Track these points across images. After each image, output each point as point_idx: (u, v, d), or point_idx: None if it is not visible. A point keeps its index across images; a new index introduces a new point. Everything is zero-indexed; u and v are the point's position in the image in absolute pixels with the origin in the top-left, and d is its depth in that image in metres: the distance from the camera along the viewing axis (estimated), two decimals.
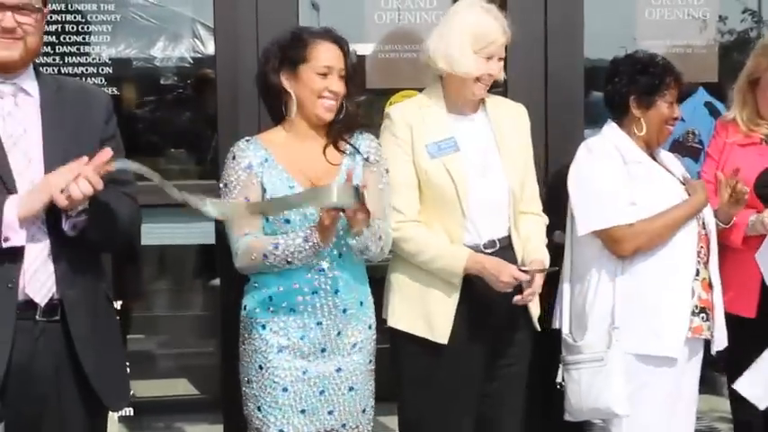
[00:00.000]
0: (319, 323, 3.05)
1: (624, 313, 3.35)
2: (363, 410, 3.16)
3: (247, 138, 3.14)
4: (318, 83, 3.06)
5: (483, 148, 3.32)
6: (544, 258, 3.31)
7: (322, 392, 3.08)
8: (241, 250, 3.03)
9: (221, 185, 3.10)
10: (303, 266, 3.03)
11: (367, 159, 3.13)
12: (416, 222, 3.25)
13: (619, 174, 3.39)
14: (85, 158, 2.60)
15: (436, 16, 3.86)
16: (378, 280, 3.40)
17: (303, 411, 3.07)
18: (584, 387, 3.34)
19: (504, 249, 3.23)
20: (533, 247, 3.29)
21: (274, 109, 3.17)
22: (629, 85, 3.41)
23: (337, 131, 3.13)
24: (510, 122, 3.38)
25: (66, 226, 2.61)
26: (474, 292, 3.23)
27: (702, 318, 3.40)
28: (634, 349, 3.33)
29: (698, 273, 3.40)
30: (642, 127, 3.38)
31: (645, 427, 3.37)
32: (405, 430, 3.40)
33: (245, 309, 3.16)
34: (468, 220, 3.22)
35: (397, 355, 3.35)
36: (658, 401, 3.38)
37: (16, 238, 2.57)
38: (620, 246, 3.33)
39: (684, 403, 3.46)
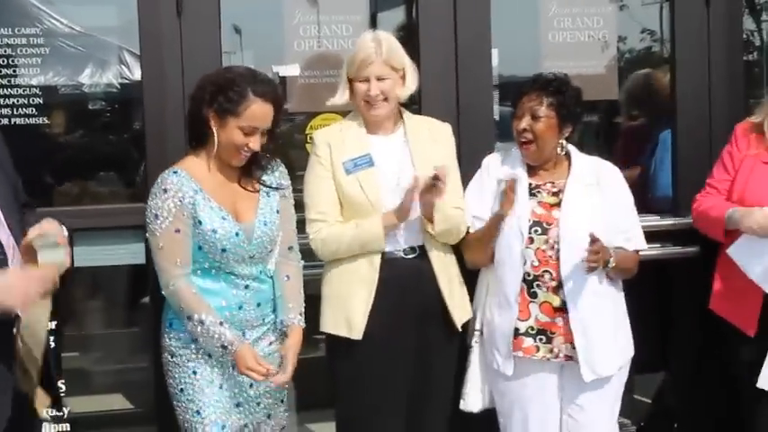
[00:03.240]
0: (243, 333, 3.17)
1: (484, 323, 3.51)
2: (282, 401, 3.32)
3: (174, 169, 3.15)
4: (240, 139, 3.10)
5: (398, 163, 3.44)
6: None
7: (251, 385, 3.21)
8: (175, 293, 3.10)
9: (151, 217, 3.11)
10: (232, 285, 3.15)
11: (281, 185, 3.24)
12: (331, 224, 3.38)
13: (481, 187, 3.51)
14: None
15: (353, 43, 3.90)
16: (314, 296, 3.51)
17: (238, 405, 3.21)
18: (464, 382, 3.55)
19: (423, 256, 3.37)
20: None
21: (194, 133, 3.21)
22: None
23: (251, 169, 3.20)
24: (429, 140, 3.49)
25: None
26: (388, 292, 3.35)
27: (541, 340, 3.37)
28: (486, 358, 3.51)
29: (536, 296, 3.38)
30: None
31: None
32: (341, 430, 3.53)
33: (170, 325, 3.23)
34: None
35: (329, 358, 3.49)
36: (506, 409, 3.51)
37: None
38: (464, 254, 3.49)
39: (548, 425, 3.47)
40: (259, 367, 3.09)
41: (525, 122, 3.37)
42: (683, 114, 4.37)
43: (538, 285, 3.36)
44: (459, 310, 3.45)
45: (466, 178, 3.68)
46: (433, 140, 3.50)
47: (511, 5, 4.38)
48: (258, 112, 3.10)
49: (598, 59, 4.38)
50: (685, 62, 4.36)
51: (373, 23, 4.39)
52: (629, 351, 3.51)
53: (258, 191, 3.23)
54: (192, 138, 3.22)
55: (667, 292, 4.30)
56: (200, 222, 3.09)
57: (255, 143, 3.12)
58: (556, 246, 3.34)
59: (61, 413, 3.81)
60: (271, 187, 3.23)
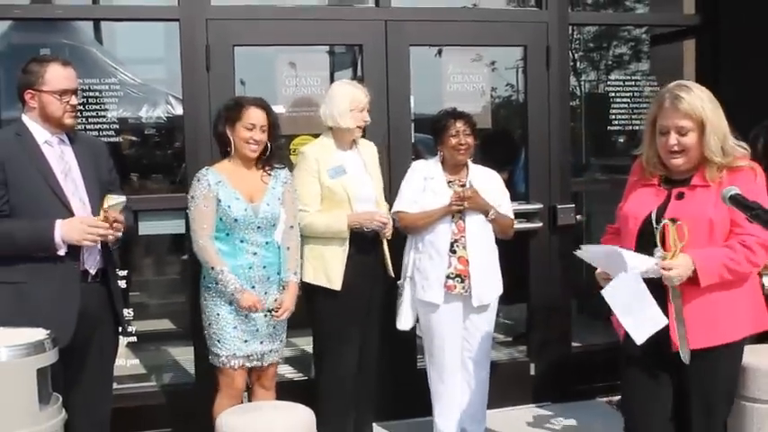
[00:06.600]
0: (253, 287, 3.89)
1: (414, 271, 4.43)
2: (281, 341, 4.09)
3: (206, 167, 3.94)
4: (246, 134, 3.86)
5: (359, 171, 4.28)
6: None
7: (257, 330, 3.96)
8: (202, 249, 3.77)
9: (189, 197, 3.86)
10: (243, 250, 3.84)
11: (285, 183, 4.00)
12: (313, 213, 4.15)
13: (413, 182, 4.40)
14: (94, 219, 3.27)
15: (319, 89, 4.92)
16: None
17: (246, 341, 3.95)
18: (398, 310, 4.46)
19: (375, 233, 4.25)
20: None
21: (221, 148, 4.01)
22: (433, 129, 4.41)
23: (264, 163, 3.99)
24: (371, 155, 4.41)
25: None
26: (355, 258, 4.18)
27: (457, 281, 4.30)
28: (418, 295, 4.42)
29: (455, 251, 4.31)
30: (442, 156, 4.41)
31: (432, 345, 4.45)
32: (317, 342, 4.36)
33: (204, 278, 3.92)
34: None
35: (310, 300, 4.27)
36: (432, 327, 4.42)
37: (62, 250, 3.29)
38: (400, 223, 4.37)
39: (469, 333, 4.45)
40: (253, 308, 3.79)
41: (465, 138, 4.22)
42: (532, 141, 5.35)
43: (456, 245, 4.29)
44: (393, 267, 4.41)
45: (395, 179, 4.59)
46: (372, 156, 4.40)
47: (422, 67, 5.15)
48: (253, 113, 3.85)
49: (478, 102, 5.25)
50: (533, 106, 5.32)
51: (332, 78, 5.15)
52: (500, 289, 4.47)
53: (268, 183, 3.95)
54: (220, 150, 4.00)
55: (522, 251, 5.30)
56: (219, 201, 3.80)
57: (256, 135, 3.83)
58: (458, 220, 4.31)
59: (130, 331, 4.82)
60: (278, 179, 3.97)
